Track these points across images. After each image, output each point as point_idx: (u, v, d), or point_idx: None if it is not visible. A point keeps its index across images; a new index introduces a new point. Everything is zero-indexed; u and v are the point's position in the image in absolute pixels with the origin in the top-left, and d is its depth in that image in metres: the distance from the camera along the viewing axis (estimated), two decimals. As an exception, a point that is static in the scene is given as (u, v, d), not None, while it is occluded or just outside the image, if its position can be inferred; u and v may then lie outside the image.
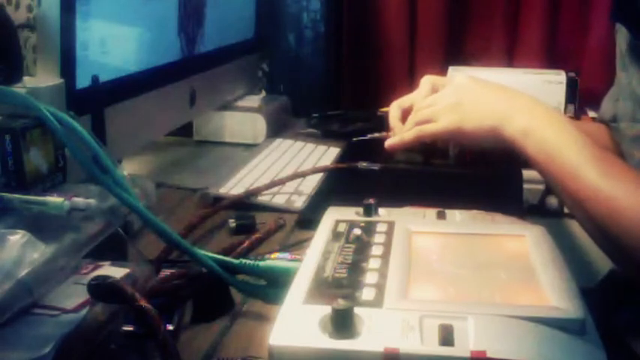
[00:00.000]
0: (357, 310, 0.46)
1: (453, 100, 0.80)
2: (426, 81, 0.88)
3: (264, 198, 0.97)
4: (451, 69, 1.35)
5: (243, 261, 0.63)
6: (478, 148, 0.84)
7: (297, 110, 1.47)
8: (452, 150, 1.08)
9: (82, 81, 0.82)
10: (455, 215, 0.67)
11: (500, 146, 0.75)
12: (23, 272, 0.47)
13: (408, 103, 0.88)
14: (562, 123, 0.72)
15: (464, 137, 0.78)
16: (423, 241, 0.60)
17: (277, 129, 1.33)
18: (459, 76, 0.83)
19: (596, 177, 0.65)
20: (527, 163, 0.74)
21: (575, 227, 0.95)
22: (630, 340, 0.72)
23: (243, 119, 1.30)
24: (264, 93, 1.51)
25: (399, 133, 0.85)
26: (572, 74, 1.28)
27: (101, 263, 0.59)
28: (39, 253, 0.49)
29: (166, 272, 0.64)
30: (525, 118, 0.73)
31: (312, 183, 1.02)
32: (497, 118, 0.74)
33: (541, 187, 0.99)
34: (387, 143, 0.85)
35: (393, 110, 0.89)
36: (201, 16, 1.17)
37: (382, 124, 1.31)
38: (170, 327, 0.55)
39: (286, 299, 0.50)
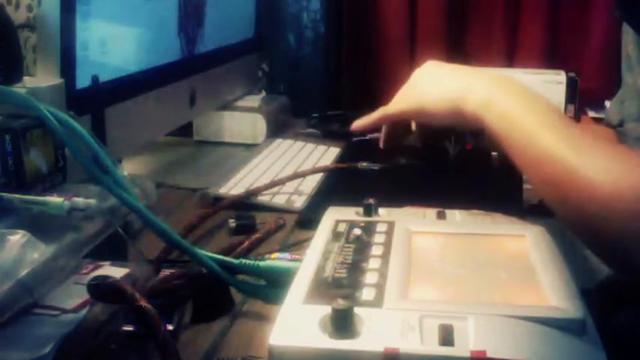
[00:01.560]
0: (357, 310, 0.46)
1: (411, 82, 0.81)
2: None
3: (264, 198, 0.97)
4: (451, 69, 1.35)
5: (243, 261, 0.63)
6: (444, 127, 0.81)
7: (297, 110, 1.47)
8: (452, 148, 1.08)
9: (82, 81, 0.82)
10: (455, 215, 0.67)
11: (463, 122, 0.74)
12: (23, 272, 0.47)
13: None
14: (524, 92, 0.71)
15: (426, 116, 0.77)
16: (423, 241, 0.60)
17: (277, 129, 1.33)
18: (429, 62, 0.83)
19: (555, 141, 0.63)
20: (491, 138, 0.72)
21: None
22: (631, 340, 0.72)
23: (243, 119, 1.30)
24: (264, 93, 1.51)
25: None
26: (572, 74, 1.28)
27: (101, 263, 0.59)
28: (39, 253, 0.49)
29: (166, 272, 0.64)
30: (485, 90, 0.71)
31: (312, 183, 1.02)
32: (457, 93, 0.73)
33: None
34: (354, 124, 0.87)
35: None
36: (201, 16, 1.17)
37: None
38: (170, 327, 0.55)
39: (286, 299, 0.50)
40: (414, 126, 0.89)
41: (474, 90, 0.72)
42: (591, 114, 1.42)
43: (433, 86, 0.77)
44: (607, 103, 1.34)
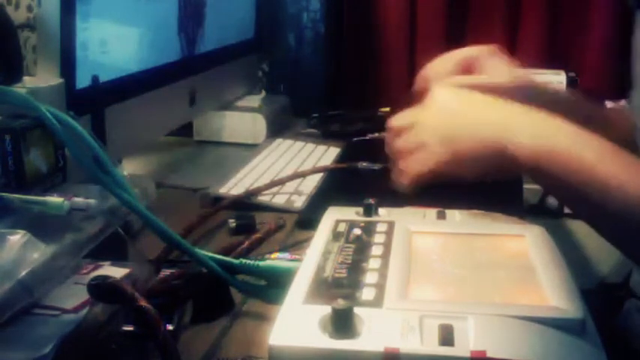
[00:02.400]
0: (357, 310, 0.46)
1: (437, 121, 0.70)
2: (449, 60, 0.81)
3: (264, 198, 0.97)
4: (451, 69, 1.35)
5: (243, 261, 0.63)
6: (483, 178, 0.71)
7: (297, 110, 1.47)
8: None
9: (82, 81, 0.82)
10: (455, 215, 0.67)
11: (505, 172, 0.67)
12: (23, 272, 0.47)
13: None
14: (579, 134, 0.63)
15: (461, 169, 0.68)
16: (423, 241, 0.60)
17: (277, 129, 1.33)
18: (439, 92, 0.73)
19: (615, 171, 0.59)
20: (540, 183, 0.66)
21: (575, 227, 0.95)
22: (631, 340, 0.72)
23: (243, 119, 1.30)
24: (264, 93, 1.51)
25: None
26: (572, 74, 1.28)
27: (101, 263, 0.59)
28: (39, 253, 0.49)
29: (166, 272, 0.64)
30: (530, 135, 0.64)
31: (312, 183, 1.02)
32: (498, 141, 0.65)
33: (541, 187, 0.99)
34: (397, 187, 0.74)
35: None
36: (201, 16, 1.17)
37: (382, 124, 1.31)
38: (170, 327, 0.55)
39: (286, 299, 0.50)
40: None
41: (517, 134, 0.64)
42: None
43: (464, 134, 0.67)
44: (607, 103, 1.34)
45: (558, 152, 0.63)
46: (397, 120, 0.75)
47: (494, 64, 0.81)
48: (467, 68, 0.82)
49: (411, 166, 0.71)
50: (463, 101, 0.71)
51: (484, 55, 0.82)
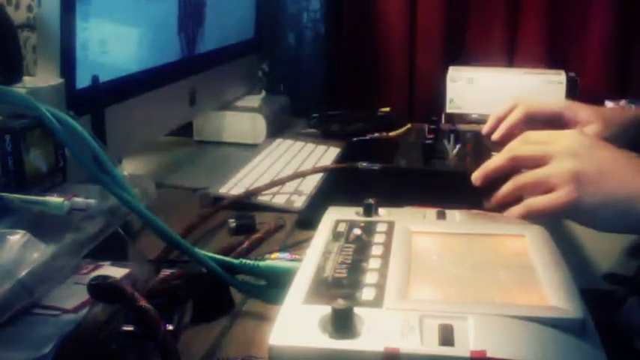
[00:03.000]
0: (357, 310, 0.46)
1: (572, 165, 0.64)
2: (520, 109, 0.78)
3: (264, 198, 0.97)
4: (451, 69, 1.35)
5: (243, 261, 0.63)
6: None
7: (297, 110, 1.47)
8: (452, 148, 1.08)
9: (82, 81, 0.82)
10: (455, 215, 0.67)
11: (633, 224, 0.63)
12: (23, 272, 0.47)
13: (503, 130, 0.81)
14: None
15: (581, 215, 0.64)
16: (423, 241, 0.60)
17: (277, 129, 1.33)
18: (572, 132, 0.69)
19: None
20: None
21: (575, 227, 0.95)
22: (631, 340, 0.72)
23: (243, 119, 1.30)
24: (264, 93, 1.51)
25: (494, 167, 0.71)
26: (572, 74, 1.28)
27: (101, 263, 0.59)
28: (39, 253, 0.49)
29: (166, 272, 0.64)
30: None
31: (312, 183, 1.02)
32: (629, 192, 0.61)
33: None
34: (494, 203, 0.71)
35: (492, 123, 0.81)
36: (201, 16, 1.17)
37: (382, 124, 1.32)
38: (170, 327, 0.55)
39: (286, 299, 0.50)
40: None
41: None
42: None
43: (599, 179, 0.63)
44: (607, 103, 1.34)
45: None
46: (525, 149, 0.70)
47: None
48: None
49: (533, 204, 0.66)
50: (598, 145, 0.67)
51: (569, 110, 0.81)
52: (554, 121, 0.80)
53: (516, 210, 0.67)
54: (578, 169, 0.63)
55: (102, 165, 0.59)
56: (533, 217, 0.65)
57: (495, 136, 1.06)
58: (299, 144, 1.23)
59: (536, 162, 0.67)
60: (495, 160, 0.70)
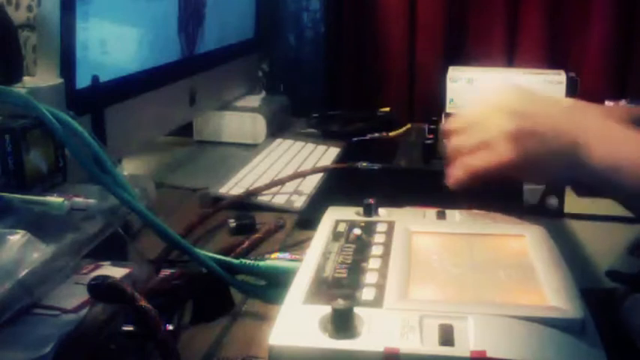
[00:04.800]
0: (357, 310, 0.46)
1: (509, 124, 0.64)
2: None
3: (264, 198, 0.97)
4: (451, 69, 1.35)
5: (243, 261, 0.63)
6: (553, 184, 0.70)
7: (297, 110, 1.47)
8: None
9: (82, 81, 0.82)
10: (455, 215, 0.67)
11: (578, 182, 0.64)
12: (23, 272, 0.47)
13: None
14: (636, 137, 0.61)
15: (527, 169, 0.64)
16: (423, 241, 0.60)
17: (277, 129, 1.33)
18: (504, 94, 0.68)
19: None
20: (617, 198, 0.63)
21: (575, 227, 0.95)
22: (631, 340, 0.72)
23: (243, 119, 1.30)
24: (264, 93, 1.51)
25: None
26: (572, 74, 1.28)
27: (101, 263, 0.59)
28: (39, 253, 0.49)
29: (166, 272, 0.64)
30: (606, 148, 0.61)
31: (312, 183, 1.02)
32: (568, 142, 0.61)
33: (541, 187, 0.99)
34: (450, 184, 0.69)
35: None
36: (201, 15, 1.17)
37: (382, 124, 1.31)
38: (170, 327, 0.55)
39: (286, 299, 0.50)
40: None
41: (591, 136, 0.61)
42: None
43: (540, 133, 0.63)
44: (607, 103, 1.34)
45: (623, 162, 0.60)
46: (454, 121, 0.70)
47: None
48: None
49: (472, 163, 0.66)
50: (533, 100, 0.67)
51: None
52: None
53: (456, 172, 0.67)
54: (514, 128, 0.63)
55: (102, 165, 0.59)
56: (474, 178, 0.66)
57: None
58: (299, 144, 1.23)
59: (474, 147, 0.67)
60: (453, 175, 0.69)
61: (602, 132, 0.62)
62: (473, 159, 0.66)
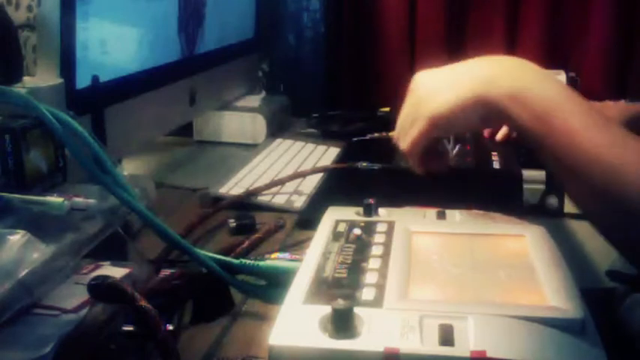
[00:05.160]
0: (357, 310, 0.46)
1: (412, 100, 0.69)
2: None
3: (264, 198, 0.97)
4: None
5: (243, 261, 0.63)
6: (469, 133, 0.74)
7: (297, 110, 1.47)
8: (451, 150, 1.08)
9: (82, 81, 0.82)
10: (455, 215, 0.67)
11: (486, 122, 0.65)
12: (23, 272, 0.47)
13: None
14: (556, 82, 0.62)
15: (445, 125, 0.66)
16: (423, 241, 0.60)
17: (277, 129, 1.33)
18: (417, 75, 0.72)
19: (599, 142, 0.57)
20: (519, 134, 0.64)
21: (575, 227, 0.95)
22: (631, 340, 0.72)
23: (243, 119, 1.30)
24: (264, 93, 1.51)
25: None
26: (572, 74, 1.28)
27: (101, 263, 0.59)
28: (39, 253, 0.49)
29: (166, 272, 0.64)
30: (512, 79, 0.62)
31: (312, 183, 1.02)
32: (475, 87, 0.63)
33: (541, 187, 0.99)
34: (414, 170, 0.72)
35: None
36: (201, 15, 1.17)
37: (382, 124, 1.31)
38: (170, 327, 0.55)
39: (286, 299, 0.50)
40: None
41: (497, 79, 0.63)
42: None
43: (444, 87, 0.66)
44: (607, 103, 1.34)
45: (527, 92, 0.61)
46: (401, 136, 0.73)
47: None
48: None
49: (406, 141, 0.69)
50: (441, 71, 0.69)
51: None
52: None
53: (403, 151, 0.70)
54: (418, 97, 0.68)
55: (102, 165, 0.59)
56: (413, 151, 0.68)
57: (499, 137, 1.07)
58: (299, 144, 1.23)
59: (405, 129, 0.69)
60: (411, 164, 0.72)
61: (513, 68, 0.64)
62: (405, 139, 0.69)
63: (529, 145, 0.62)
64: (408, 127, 0.68)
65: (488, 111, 0.62)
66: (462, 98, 0.63)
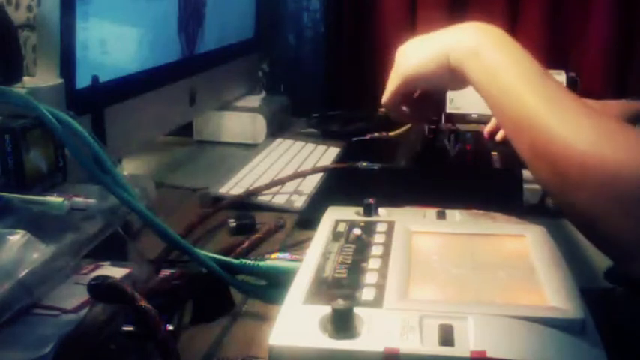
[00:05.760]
0: (357, 310, 0.46)
1: (397, 58, 0.78)
2: None
3: (264, 198, 0.97)
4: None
5: (243, 261, 0.63)
6: (434, 89, 0.81)
7: (297, 110, 1.47)
8: (452, 148, 1.08)
9: (82, 81, 0.82)
10: (455, 215, 0.67)
11: (450, 79, 0.72)
12: (23, 272, 0.47)
13: None
14: (511, 45, 0.68)
15: (415, 81, 0.76)
16: (423, 241, 0.60)
17: (277, 129, 1.33)
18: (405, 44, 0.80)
19: (537, 102, 0.62)
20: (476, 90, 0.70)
21: (575, 227, 0.95)
22: (631, 340, 0.72)
23: (243, 119, 1.30)
24: (264, 93, 1.51)
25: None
26: (572, 74, 1.28)
27: (101, 263, 0.59)
28: (39, 253, 0.49)
29: (166, 272, 0.64)
30: (472, 40, 0.69)
31: (312, 183, 1.02)
32: (442, 48, 0.71)
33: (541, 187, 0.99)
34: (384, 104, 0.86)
35: None
36: (201, 16, 1.17)
37: (382, 124, 1.31)
38: (170, 327, 0.55)
39: (286, 299, 0.50)
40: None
41: (460, 41, 0.70)
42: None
43: (417, 50, 0.75)
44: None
45: (483, 51, 0.68)
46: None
47: None
48: None
49: (384, 96, 0.83)
50: (418, 38, 0.77)
51: None
52: None
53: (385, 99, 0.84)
54: (397, 61, 0.78)
55: (102, 165, 0.59)
56: (389, 101, 0.83)
57: (499, 137, 1.07)
58: (299, 144, 1.23)
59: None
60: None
61: (474, 30, 0.70)
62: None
63: (484, 100, 0.68)
64: (390, 80, 0.80)
65: (451, 68, 0.70)
66: (429, 57, 0.72)
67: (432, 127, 1.16)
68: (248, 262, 0.63)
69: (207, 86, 1.22)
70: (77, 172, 0.63)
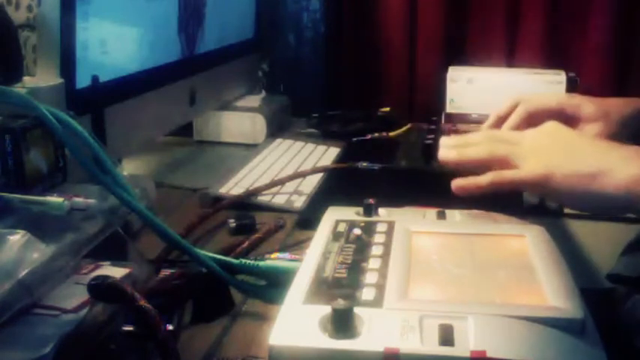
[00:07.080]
0: (357, 310, 0.46)
1: (542, 142, 0.69)
2: (522, 108, 0.81)
3: (264, 198, 0.97)
4: (451, 69, 1.35)
5: (243, 261, 0.63)
6: (569, 206, 0.72)
7: (297, 110, 1.47)
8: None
9: (82, 81, 0.82)
10: (455, 215, 0.67)
11: (599, 200, 0.65)
12: (23, 272, 0.47)
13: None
14: None
15: (553, 187, 0.66)
16: (423, 241, 0.60)
17: (277, 129, 1.33)
18: (550, 123, 0.72)
19: None
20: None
21: (575, 227, 0.95)
22: (631, 340, 0.72)
23: (243, 119, 1.30)
24: (264, 93, 1.51)
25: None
26: (572, 74, 1.28)
27: (101, 263, 0.59)
28: (39, 253, 0.49)
29: (166, 272, 0.64)
30: (635, 166, 0.63)
31: (312, 183, 1.02)
32: (599, 166, 0.64)
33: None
34: (459, 184, 0.71)
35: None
36: (201, 16, 1.17)
37: (382, 124, 1.32)
38: (170, 327, 0.55)
39: (286, 299, 0.50)
40: None
41: (619, 167, 0.64)
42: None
43: (568, 154, 0.67)
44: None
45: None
46: (502, 147, 0.73)
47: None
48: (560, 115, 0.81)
49: (500, 175, 0.69)
50: (569, 133, 0.71)
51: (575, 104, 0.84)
52: (556, 118, 0.81)
53: (485, 177, 0.69)
54: (547, 144, 0.68)
55: (102, 165, 0.59)
56: (499, 186, 0.68)
57: None
58: (299, 144, 1.23)
59: (508, 161, 0.70)
60: (476, 152, 0.72)
61: (629, 156, 0.65)
62: (506, 171, 0.69)
63: None
64: (515, 154, 0.69)
65: (605, 193, 0.63)
66: (582, 174, 0.65)
67: (432, 127, 1.16)
68: (248, 262, 0.63)
69: (207, 86, 1.22)
70: (77, 172, 0.63)
